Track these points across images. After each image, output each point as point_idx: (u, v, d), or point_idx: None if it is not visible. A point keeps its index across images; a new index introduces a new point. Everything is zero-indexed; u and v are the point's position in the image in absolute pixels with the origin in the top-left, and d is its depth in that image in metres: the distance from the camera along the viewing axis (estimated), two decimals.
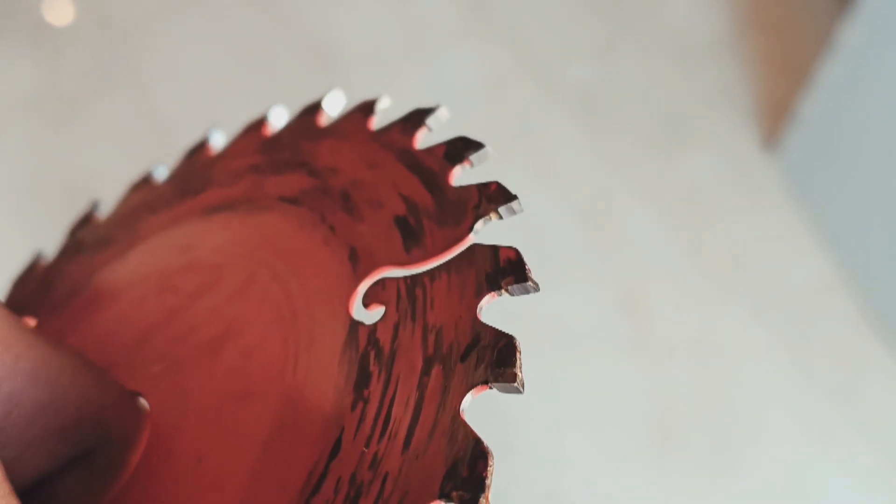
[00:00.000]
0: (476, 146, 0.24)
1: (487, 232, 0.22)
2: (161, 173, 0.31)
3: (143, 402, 0.23)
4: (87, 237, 0.30)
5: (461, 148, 0.24)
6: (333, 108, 0.27)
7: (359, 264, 0.22)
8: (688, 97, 1.11)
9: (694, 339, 0.97)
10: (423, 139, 0.25)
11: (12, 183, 1.03)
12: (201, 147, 0.30)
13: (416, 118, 0.25)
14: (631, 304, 0.97)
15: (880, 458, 0.91)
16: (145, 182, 0.32)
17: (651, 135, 1.08)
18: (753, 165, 1.06)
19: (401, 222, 0.23)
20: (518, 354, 0.19)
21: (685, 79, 1.13)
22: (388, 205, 0.23)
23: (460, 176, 0.23)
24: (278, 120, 0.29)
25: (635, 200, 1.04)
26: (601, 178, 1.05)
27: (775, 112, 1.09)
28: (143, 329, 0.25)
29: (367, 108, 0.27)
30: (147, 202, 0.30)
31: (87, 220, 0.32)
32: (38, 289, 0.29)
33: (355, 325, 0.21)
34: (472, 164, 0.23)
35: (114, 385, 0.22)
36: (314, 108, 0.28)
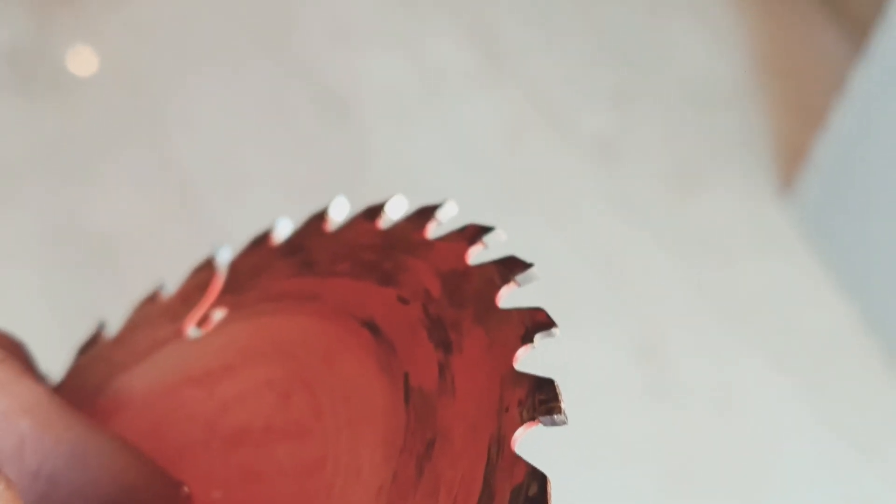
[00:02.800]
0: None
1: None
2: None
3: (186, 490, 0.23)
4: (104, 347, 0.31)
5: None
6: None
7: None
8: (703, 144, 1.12)
9: (712, 386, 0.96)
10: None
11: (30, 234, 1.04)
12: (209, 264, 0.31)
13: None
14: (648, 352, 0.97)
15: None
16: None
17: (667, 181, 1.09)
18: (770, 211, 1.06)
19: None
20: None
21: (701, 125, 1.13)
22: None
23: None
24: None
25: (652, 247, 1.04)
26: (618, 224, 1.05)
27: (791, 158, 1.10)
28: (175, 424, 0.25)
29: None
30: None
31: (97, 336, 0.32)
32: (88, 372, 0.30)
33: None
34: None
35: (154, 469, 0.22)
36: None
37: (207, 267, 0.30)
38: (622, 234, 1.04)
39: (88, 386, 0.29)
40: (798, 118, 1.14)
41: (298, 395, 0.24)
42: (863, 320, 0.99)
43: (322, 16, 1.20)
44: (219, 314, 0.25)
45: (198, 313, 0.26)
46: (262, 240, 0.29)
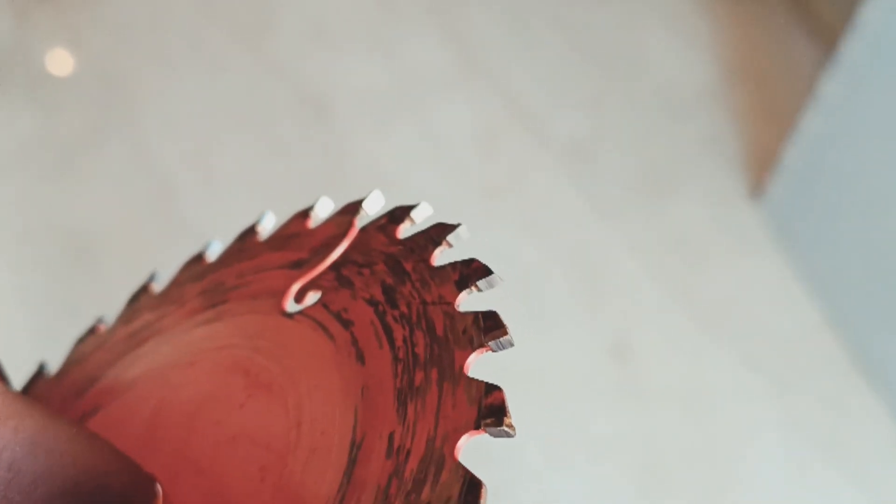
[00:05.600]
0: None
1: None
2: (160, 280, 0.35)
3: (151, 474, 0.24)
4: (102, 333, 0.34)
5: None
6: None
7: (273, 297, 0.27)
8: (675, 147, 1.13)
9: (682, 385, 0.97)
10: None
11: (8, 231, 1.04)
12: (200, 257, 0.34)
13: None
14: (620, 352, 0.98)
15: (866, 502, 0.92)
16: (144, 290, 0.35)
17: (639, 184, 1.10)
18: (740, 213, 1.08)
19: (286, 266, 0.28)
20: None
21: (672, 129, 1.15)
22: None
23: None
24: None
25: (624, 249, 1.05)
26: (590, 226, 1.06)
27: (761, 161, 1.11)
28: (153, 417, 0.27)
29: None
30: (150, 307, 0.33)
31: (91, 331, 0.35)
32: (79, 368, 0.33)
33: (296, 315, 0.25)
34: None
35: (117, 455, 0.24)
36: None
37: (199, 259, 0.32)
38: (594, 237, 1.06)
39: (87, 373, 0.31)
40: (768, 123, 1.15)
41: (259, 366, 0.26)
42: (830, 320, 1.00)
43: (299, 16, 1.21)
44: (313, 296, 0.27)
45: (294, 289, 0.28)
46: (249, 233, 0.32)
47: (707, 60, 1.21)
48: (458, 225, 0.25)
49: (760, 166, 1.11)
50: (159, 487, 0.25)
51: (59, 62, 1.17)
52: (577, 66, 1.19)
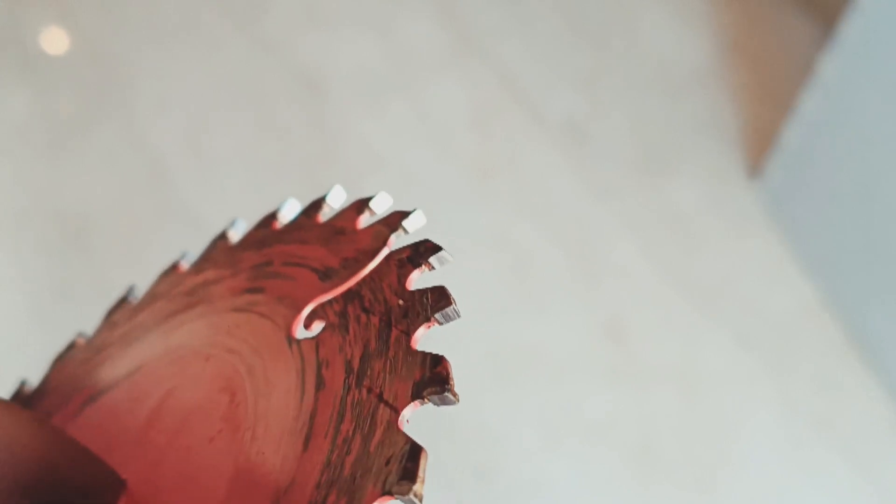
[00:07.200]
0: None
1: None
2: (137, 294, 0.36)
3: (113, 469, 0.25)
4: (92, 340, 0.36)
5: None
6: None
7: (292, 307, 0.28)
8: (672, 127, 1.13)
9: (677, 365, 0.98)
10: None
11: (2, 211, 1.03)
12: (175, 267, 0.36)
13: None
14: (615, 331, 0.98)
15: (861, 481, 0.92)
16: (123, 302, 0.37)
17: (636, 163, 1.10)
18: (737, 193, 1.08)
19: (317, 271, 0.29)
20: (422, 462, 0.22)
21: (669, 109, 1.14)
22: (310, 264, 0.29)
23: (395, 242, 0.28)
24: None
25: (620, 228, 1.05)
26: (586, 206, 1.06)
27: (758, 141, 1.11)
28: (125, 417, 0.29)
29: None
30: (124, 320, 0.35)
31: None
32: (65, 374, 0.34)
33: (302, 342, 0.27)
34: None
35: (76, 447, 0.24)
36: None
37: (223, 239, 0.34)
38: (591, 216, 1.06)
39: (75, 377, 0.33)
40: (766, 103, 1.15)
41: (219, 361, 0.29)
42: (826, 300, 1.00)
43: None
44: (318, 326, 0.28)
45: (301, 317, 0.29)
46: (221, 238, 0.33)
47: (705, 40, 1.20)
48: (452, 305, 0.25)
49: (758, 146, 1.11)
50: (124, 482, 0.25)
51: (53, 41, 1.16)
52: (573, 45, 1.19)
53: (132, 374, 0.31)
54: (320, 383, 0.26)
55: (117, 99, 1.12)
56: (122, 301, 0.36)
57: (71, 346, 0.35)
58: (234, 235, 0.34)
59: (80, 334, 0.35)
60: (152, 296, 0.35)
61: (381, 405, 0.24)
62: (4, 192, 1.05)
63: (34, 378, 0.34)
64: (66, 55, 1.15)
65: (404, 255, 0.27)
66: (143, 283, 0.36)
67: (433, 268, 0.26)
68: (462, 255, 0.27)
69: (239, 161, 1.07)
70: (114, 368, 0.32)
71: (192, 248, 0.35)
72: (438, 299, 0.24)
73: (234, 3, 1.19)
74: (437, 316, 0.24)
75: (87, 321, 0.39)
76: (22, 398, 0.33)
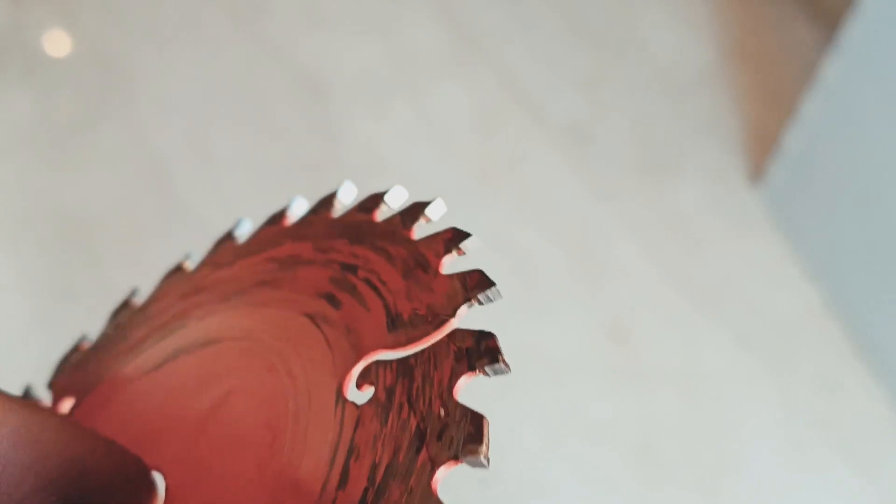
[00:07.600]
0: (466, 236, 0.24)
1: (472, 264, 0.23)
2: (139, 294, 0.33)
3: (146, 465, 0.24)
4: (121, 324, 0.33)
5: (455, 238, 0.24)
6: (347, 198, 0.28)
7: (354, 349, 0.22)
8: (674, 128, 1.13)
9: (679, 367, 0.97)
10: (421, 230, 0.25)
11: (5, 213, 1.03)
12: (229, 236, 0.31)
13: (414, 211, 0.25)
14: (617, 333, 0.98)
15: (862, 481, 0.92)
16: (126, 304, 0.34)
17: (638, 166, 1.10)
18: (739, 196, 1.08)
19: (388, 312, 0.22)
20: (486, 432, 0.19)
21: (672, 111, 1.14)
22: (382, 292, 0.24)
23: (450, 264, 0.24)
24: (244, 230, 0.30)
25: (621, 229, 1.05)
26: (589, 208, 1.06)
27: (761, 144, 1.11)
28: (163, 411, 0.26)
29: (375, 200, 0.26)
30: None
31: (126, 304, 0.34)
32: (76, 371, 0.32)
33: (347, 404, 0.21)
34: (462, 253, 0.24)
35: (105, 443, 0.23)
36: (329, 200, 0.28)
37: (228, 238, 0.31)
38: (592, 217, 1.06)
39: (103, 365, 0.31)
40: (768, 105, 1.15)
41: (268, 369, 0.25)
42: (828, 302, 1.00)
43: None
44: (367, 391, 0.22)
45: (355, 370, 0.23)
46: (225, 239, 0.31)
47: (707, 41, 1.20)
48: (482, 453, 0.19)
49: (760, 148, 1.10)
50: (159, 479, 0.25)
51: (56, 43, 1.16)
52: (576, 47, 1.19)
53: (189, 352, 0.26)
54: (344, 478, 0.20)
55: (119, 100, 1.12)
56: (126, 303, 0.34)
57: (75, 349, 0.34)
58: (344, 199, 0.27)
59: (84, 337, 0.34)
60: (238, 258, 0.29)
61: None
62: (6, 193, 1.05)
63: (37, 380, 0.34)
64: (68, 57, 1.15)
65: (466, 345, 0.21)
66: (144, 284, 0.36)
67: (487, 374, 0.20)
68: (462, 256, 0.25)
69: (241, 162, 1.08)
70: (155, 349, 0.28)
71: (192, 248, 0.35)
72: (472, 438, 0.19)
73: (236, 6, 1.19)
74: (466, 459, 0.19)
75: (89, 323, 0.39)
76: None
